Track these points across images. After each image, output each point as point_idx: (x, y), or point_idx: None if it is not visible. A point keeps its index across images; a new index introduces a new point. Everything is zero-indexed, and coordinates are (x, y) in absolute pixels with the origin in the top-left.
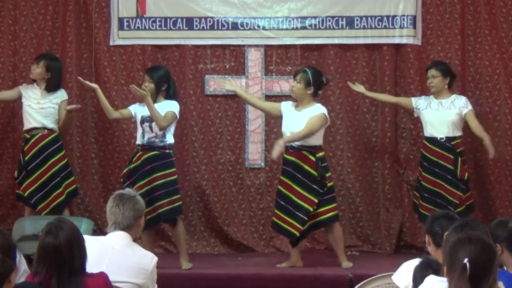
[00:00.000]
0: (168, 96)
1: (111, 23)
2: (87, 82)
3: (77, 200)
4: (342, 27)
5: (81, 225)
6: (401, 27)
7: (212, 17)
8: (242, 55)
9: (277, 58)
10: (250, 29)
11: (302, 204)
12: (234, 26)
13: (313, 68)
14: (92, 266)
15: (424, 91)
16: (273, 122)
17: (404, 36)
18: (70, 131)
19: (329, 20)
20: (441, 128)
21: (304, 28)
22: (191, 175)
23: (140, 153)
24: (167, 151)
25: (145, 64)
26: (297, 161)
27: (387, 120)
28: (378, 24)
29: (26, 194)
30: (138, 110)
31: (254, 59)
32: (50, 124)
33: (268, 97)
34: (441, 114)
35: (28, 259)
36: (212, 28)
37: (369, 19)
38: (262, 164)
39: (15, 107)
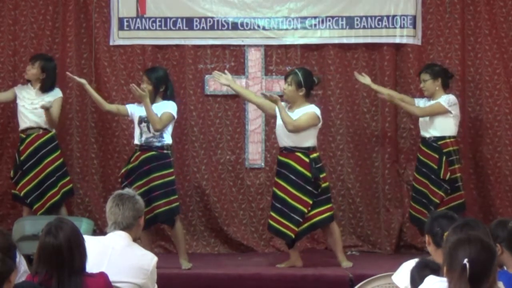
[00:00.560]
0: (165, 97)
1: (111, 23)
2: (76, 78)
3: (77, 200)
4: (342, 27)
5: (81, 225)
6: (401, 27)
7: (212, 17)
8: (242, 55)
9: (277, 58)
10: (250, 29)
11: (297, 206)
12: (234, 26)
13: (303, 68)
14: (92, 266)
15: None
16: (273, 122)
17: (404, 36)
18: (70, 131)
19: (329, 20)
20: (430, 129)
21: (304, 28)
22: (191, 175)
23: (138, 153)
24: (165, 151)
25: (145, 64)
26: (290, 163)
27: (387, 120)
28: (378, 24)
29: (22, 193)
30: (136, 110)
31: (254, 59)
32: (45, 124)
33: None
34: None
35: (28, 259)
36: (212, 28)
37: (369, 19)
38: (262, 164)
39: (15, 107)
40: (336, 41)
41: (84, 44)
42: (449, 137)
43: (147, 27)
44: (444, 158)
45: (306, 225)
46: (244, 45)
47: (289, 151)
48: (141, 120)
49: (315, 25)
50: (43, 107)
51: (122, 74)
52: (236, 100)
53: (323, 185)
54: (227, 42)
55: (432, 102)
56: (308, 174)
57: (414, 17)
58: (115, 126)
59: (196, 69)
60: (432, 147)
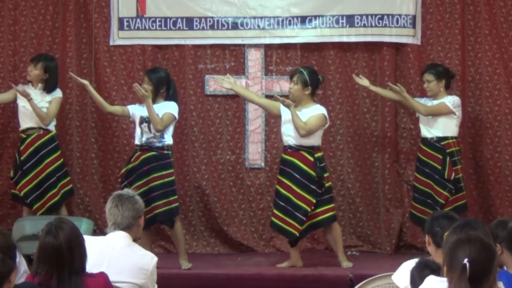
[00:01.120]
0: (167, 97)
1: (111, 23)
2: (78, 78)
3: (77, 200)
4: (342, 26)
5: (81, 225)
6: (401, 27)
7: (212, 17)
8: (242, 55)
9: (277, 58)
10: (250, 29)
11: (301, 204)
12: (234, 26)
13: (308, 67)
14: (92, 266)
15: (424, 91)
16: (273, 122)
17: (404, 36)
18: (70, 131)
19: (329, 19)
20: (432, 129)
21: (304, 28)
22: (191, 175)
23: (138, 153)
24: (165, 152)
25: (145, 64)
26: (295, 161)
27: (387, 120)
28: (379, 23)
29: (21, 193)
30: (137, 111)
31: (254, 59)
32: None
33: (268, 97)
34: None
35: (28, 259)
36: (212, 28)
37: (369, 17)
38: (262, 164)
39: (15, 107)
40: (336, 39)
41: (84, 44)
42: (451, 138)
43: (147, 27)
44: (448, 158)
45: (309, 223)
46: (244, 45)
47: (294, 149)
48: (142, 120)
49: (315, 23)
50: (21, 93)
51: (122, 74)
52: (236, 100)
53: (327, 184)
54: (227, 42)
55: (435, 102)
56: (313, 173)
57: (414, 17)
58: (115, 126)
59: (196, 69)
60: (435, 147)
